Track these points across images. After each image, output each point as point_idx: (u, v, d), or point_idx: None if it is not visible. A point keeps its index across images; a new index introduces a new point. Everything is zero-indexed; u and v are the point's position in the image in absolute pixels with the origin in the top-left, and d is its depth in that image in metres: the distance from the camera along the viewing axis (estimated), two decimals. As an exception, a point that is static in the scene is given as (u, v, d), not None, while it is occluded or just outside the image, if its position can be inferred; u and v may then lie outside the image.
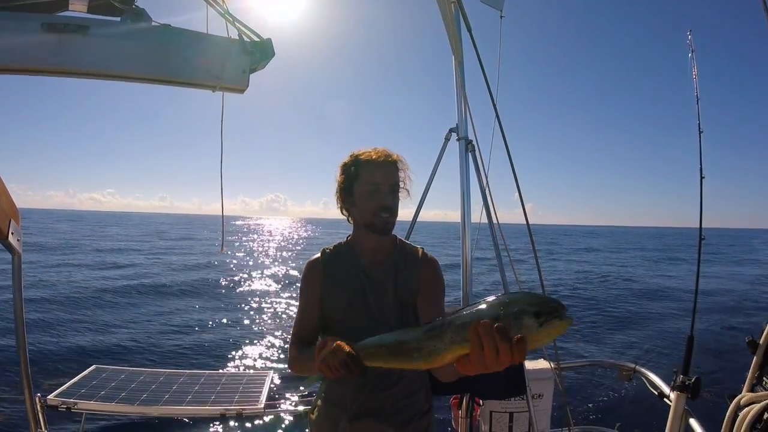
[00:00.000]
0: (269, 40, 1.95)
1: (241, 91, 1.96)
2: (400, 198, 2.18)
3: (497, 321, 1.22)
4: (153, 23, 1.89)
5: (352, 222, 2.22)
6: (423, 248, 2.27)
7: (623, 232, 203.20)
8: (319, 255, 2.24)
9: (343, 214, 2.23)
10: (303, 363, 2.04)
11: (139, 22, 1.87)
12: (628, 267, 42.27)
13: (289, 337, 2.24)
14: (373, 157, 2.09)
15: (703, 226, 3.05)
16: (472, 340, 1.24)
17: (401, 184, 2.16)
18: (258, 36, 1.94)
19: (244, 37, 1.91)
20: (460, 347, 1.30)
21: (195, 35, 1.90)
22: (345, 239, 2.29)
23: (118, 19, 1.87)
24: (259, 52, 1.93)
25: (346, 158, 2.17)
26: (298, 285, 2.24)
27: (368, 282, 2.13)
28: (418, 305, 2.14)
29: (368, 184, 2.07)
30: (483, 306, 1.29)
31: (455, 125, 3.17)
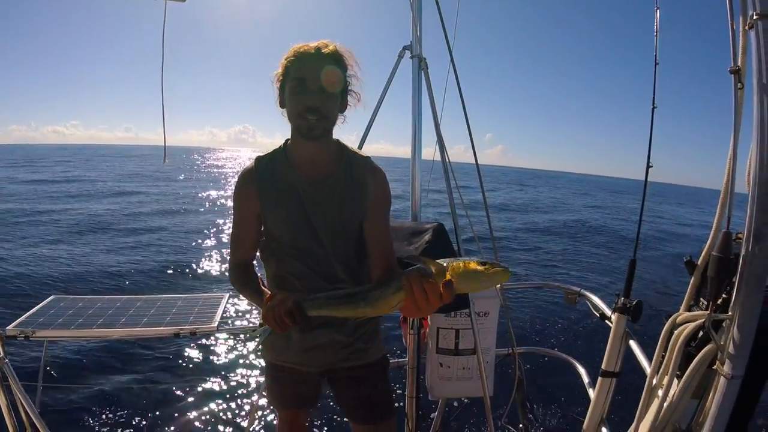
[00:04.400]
0: None
1: (183, -1, 1.91)
2: (350, 105, 1.98)
3: (444, 268, 1.45)
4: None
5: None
6: (370, 158, 2.04)
7: (592, 180, 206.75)
8: (252, 166, 2.02)
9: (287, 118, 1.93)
10: (246, 295, 2.02)
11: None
12: (586, 204, 43.33)
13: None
14: (303, 51, 1.82)
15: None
16: (404, 287, 1.46)
17: (348, 84, 1.93)
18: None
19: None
20: (402, 293, 1.49)
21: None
22: (283, 143, 2.05)
23: None
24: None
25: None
26: None
27: (309, 200, 1.94)
28: (365, 225, 2.00)
29: (293, 80, 1.81)
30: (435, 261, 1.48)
31: (409, 43, 3.13)
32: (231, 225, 2.13)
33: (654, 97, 3.12)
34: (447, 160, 3.08)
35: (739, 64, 1.98)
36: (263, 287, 2.00)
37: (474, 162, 3.24)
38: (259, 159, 2.03)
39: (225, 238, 19.12)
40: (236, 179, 2.04)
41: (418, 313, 1.47)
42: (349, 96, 1.97)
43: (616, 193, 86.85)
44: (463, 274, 1.43)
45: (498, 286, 3.10)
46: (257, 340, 2.11)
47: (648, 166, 3.11)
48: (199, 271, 14.03)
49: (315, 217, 1.94)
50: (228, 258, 2.14)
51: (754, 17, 1.69)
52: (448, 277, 1.43)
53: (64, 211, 24.85)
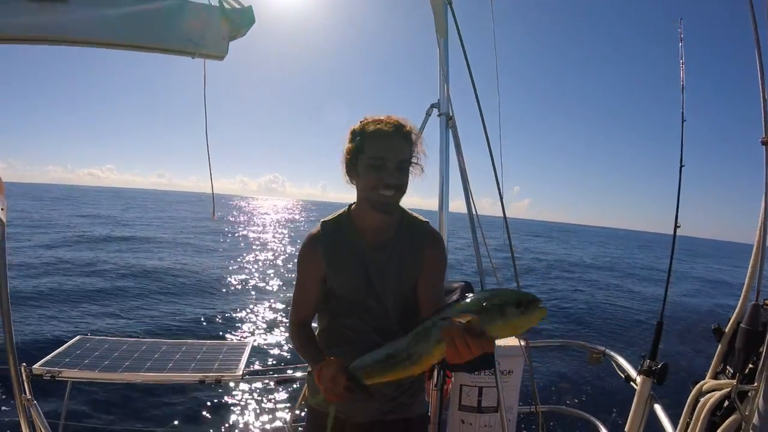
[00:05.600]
0: (250, 7, 1.95)
1: (221, 57, 1.96)
2: (413, 175, 2.03)
3: (481, 313, 1.42)
4: (133, -11, 1.89)
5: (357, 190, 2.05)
6: (429, 222, 2.15)
7: (621, 235, 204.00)
8: (319, 229, 2.09)
9: (352, 183, 2.04)
10: (303, 355, 2.08)
11: (118, -12, 1.88)
12: (609, 259, 42.46)
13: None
14: (382, 127, 1.90)
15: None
16: (446, 340, 1.45)
17: (414, 160, 1.98)
18: (238, 2, 1.95)
19: (224, 3, 1.92)
20: (443, 345, 1.49)
21: (173, 1, 1.90)
22: (347, 208, 2.14)
23: (99, -14, 1.90)
24: (239, 18, 1.95)
25: (357, 124, 1.98)
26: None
27: (372, 263, 2.04)
28: (419, 285, 2.08)
29: (372, 159, 1.88)
30: (468, 300, 1.48)
31: (437, 101, 3.18)
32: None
33: (681, 155, 3.10)
34: (477, 222, 3.08)
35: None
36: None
37: (502, 216, 3.24)
38: (324, 223, 2.10)
39: (252, 284, 19.27)
40: (302, 244, 2.12)
41: (460, 360, 1.46)
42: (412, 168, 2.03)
43: (645, 247, 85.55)
44: (500, 326, 1.42)
45: (523, 343, 3.12)
46: (320, 404, 2.15)
47: (676, 226, 3.09)
48: (225, 315, 13.88)
49: (377, 279, 2.04)
50: (289, 316, 2.19)
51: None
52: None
53: (93, 249, 25.25)
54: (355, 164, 1.95)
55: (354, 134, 1.95)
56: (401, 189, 1.94)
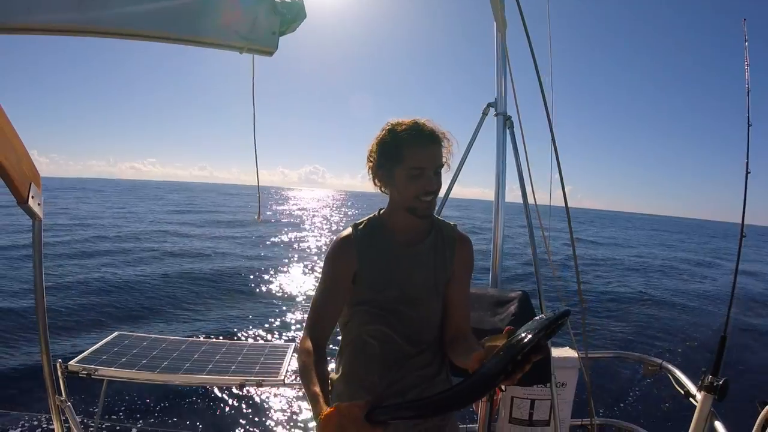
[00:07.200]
0: (301, 1, 1.88)
1: (270, 53, 1.90)
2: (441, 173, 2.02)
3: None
4: (179, -21, 1.82)
5: (387, 195, 2.04)
6: (456, 226, 2.16)
7: (665, 221, 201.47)
8: (350, 231, 2.04)
9: (380, 190, 2.03)
10: (308, 391, 1.72)
11: (164, -22, 1.81)
12: (665, 259, 41.36)
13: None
14: (418, 138, 1.88)
15: (747, 223, 2.95)
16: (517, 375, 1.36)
17: (444, 160, 1.96)
18: (290, -5, 1.87)
19: (275, -4, 1.84)
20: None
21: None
22: (377, 212, 2.10)
23: (142, -25, 1.81)
24: (290, 12, 1.87)
25: (383, 132, 1.95)
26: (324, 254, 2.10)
27: (404, 263, 2.01)
28: (449, 289, 2.06)
29: (412, 169, 1.87)
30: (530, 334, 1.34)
31: (494, 99, 3.05)
32: (316, 278, 2.11)
33: (747, 162, 2.96)
34: (538, 226, 2.98)
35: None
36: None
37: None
38: (356, 225, 2.07)
39: (295, 284, 19.21)
40: (331, 245, 2.06)
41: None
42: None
43: (691, 233, 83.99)
44: None
45: (580, 354, 3.03)
46: None
47: (741, 236, 2.95)
48: (266, 316, 13.80)
49: (409, 279, 2.00)
50: (305, 324, 2.03)
51: None
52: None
53: (133, 244, 25.72)
54: (391, 176, 1.95)
55: (386, 145, 1.93)
56: (438, 193, 1.97)
